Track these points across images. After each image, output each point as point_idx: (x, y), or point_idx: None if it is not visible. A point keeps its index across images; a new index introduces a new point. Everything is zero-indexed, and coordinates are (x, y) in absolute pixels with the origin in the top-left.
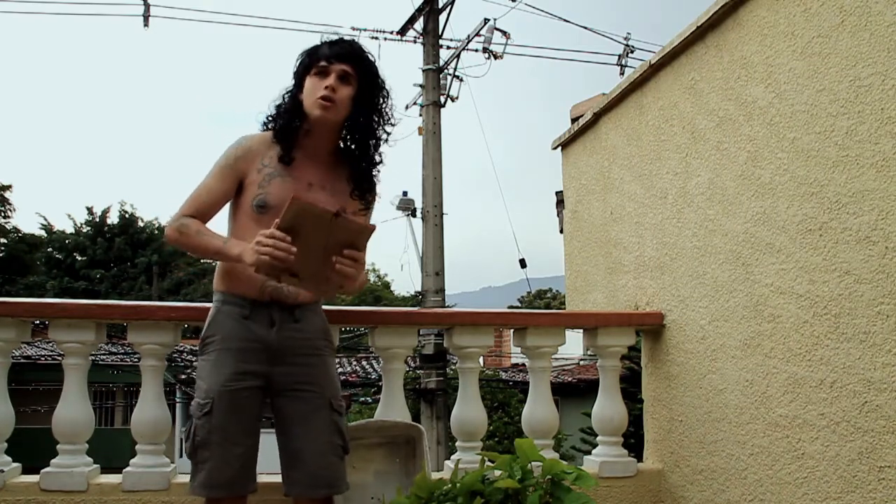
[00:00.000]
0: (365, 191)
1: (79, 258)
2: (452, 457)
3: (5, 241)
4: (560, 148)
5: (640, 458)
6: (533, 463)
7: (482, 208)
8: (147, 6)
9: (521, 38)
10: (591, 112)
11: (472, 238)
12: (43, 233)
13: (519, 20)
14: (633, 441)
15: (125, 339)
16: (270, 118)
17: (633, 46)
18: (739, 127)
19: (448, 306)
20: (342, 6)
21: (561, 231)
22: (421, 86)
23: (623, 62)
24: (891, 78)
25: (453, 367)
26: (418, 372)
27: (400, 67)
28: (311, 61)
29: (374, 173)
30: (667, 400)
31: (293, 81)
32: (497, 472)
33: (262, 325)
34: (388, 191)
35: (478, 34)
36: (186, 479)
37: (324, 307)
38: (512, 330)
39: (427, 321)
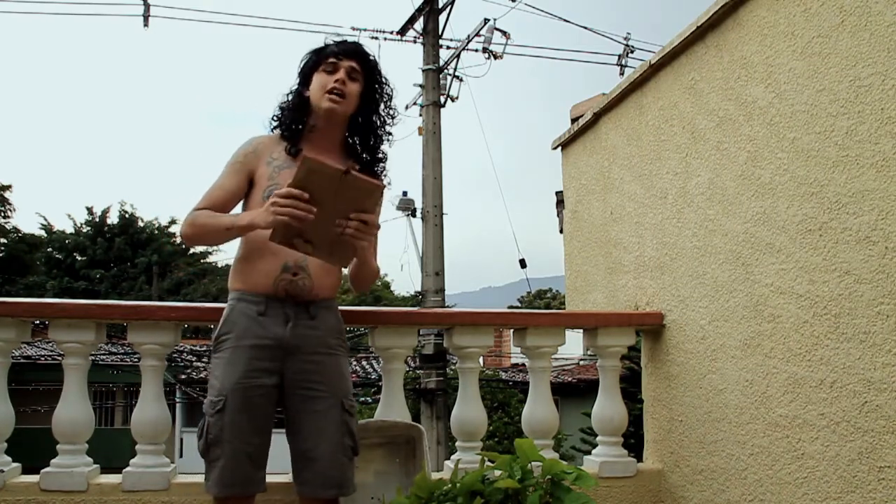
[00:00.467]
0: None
1: (79, 258)
2: (452, 457)
3: (5, 241)
4: (560, 148)
5: (640, 458)
6: (533, 463)
7: (482, 208)
8: (147, 6)
9: (521, 38)
10: (591, 112)
11: (472, 238)
12: (43, 233)
13: (519, 20)
14: (633, 441)
15: (125, 339)
16: (276, 117)
17: (633, 46)
18: (739, 127)
19: (448, 306)
20: (342, 6)
21: (561, 231)
22: (421, 86)
23: (623, 62)
24: (891, 78)
25: (453, 367)
26: (418, 372)
27: (400, 67)
28: (320, 58)
29: (377, 169)
30: (667, 400)
31: (299, 79)
32: (497, 472)
33: (277, 321)
34: (388, 191)
35: (478, 34)
36: (187, 479)
37: None
38: (512, 330)
39: (427, 321)
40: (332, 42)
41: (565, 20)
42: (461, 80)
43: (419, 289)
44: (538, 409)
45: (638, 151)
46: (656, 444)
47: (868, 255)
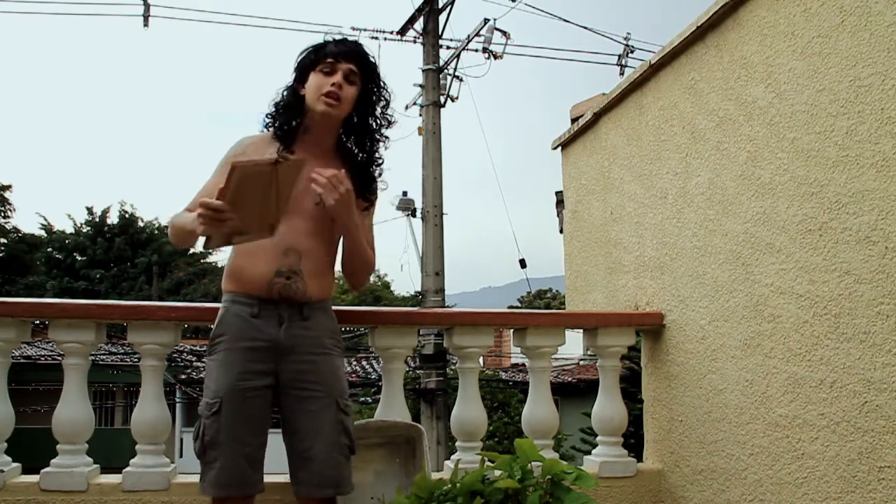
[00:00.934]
0: (364, 188)
1: (79, 258)
2: (452, 457)
3: (5, 241)
4: (560, 148)
5: (640, 458)
6: (533, 463)
7: (482, 208)
8: (147, 6)
9: (521, 38)
10: (591, 112)
11: (472, 238)
12: (43, 233)
13: (519, 20)
14: (633, 441)
15: (125, 339)
16: (270, 116)
17: (633, 46)
18: (739, 127)
19: (448, 306)
20: (342, 6)
21: (561, 231)
22: (421, 86)
23: (623, 62)
24: (891, 78)
25: (453, 367)
26: (418, 372)
27: (400, 67)
28: (318, 58)
29: (372, 170)
30: (667, 400)
31: (294, 76)
32: (497, 472)
33: (271, 323)
34: (388, 191)
35: (478, 34)
36: (187, 479)
37: None
38: (512, 330)
39: (427, 321)
40: (331, 40)
41: (565, 20)
42: (461, 80)
43: (419, 289)
44: (538, 409)
45: (638, 151)
46: (656, 444)
47: (868, 255)
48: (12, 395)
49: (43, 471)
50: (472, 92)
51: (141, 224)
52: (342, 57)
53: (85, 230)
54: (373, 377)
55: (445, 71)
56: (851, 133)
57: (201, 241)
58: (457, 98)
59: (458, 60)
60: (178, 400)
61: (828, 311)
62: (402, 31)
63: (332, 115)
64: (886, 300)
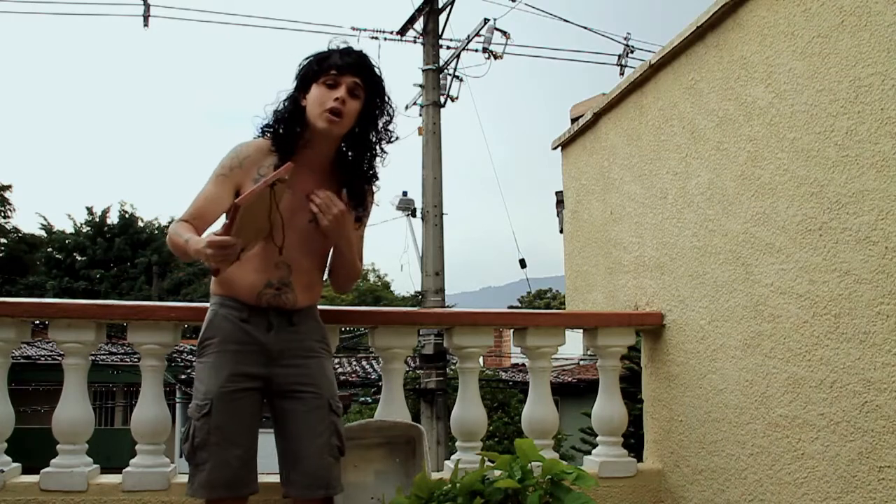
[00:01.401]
0: (358, 204)
1: (79, 258)
2: (452, 457)
3: (5, 241)
4: (560, 148)
5: (640, 458)
6: (533, 463)
7: (482, 208)
8: (147, 6)
9: (521, 38)
10: (590, 112)
11: (472, 238)
12: (43, 233)
13: (519, 20)
14: (633, 441)
15: (125, 339)
16: (269, 125)
17: (633, 46)
18: (739, 127)
19: (448, 306)
20: (342, 6)
21: (561, 231)
22: (421, 86)
23: (623, 62)
24: (891, 78)
25: (453, 367)
26: (418, 372)
27: (400, 67)
28: (321, 69)
29: (366, 188)
30: (667, 400)
31: (295, 85)
32: (497, 472)
33: (260, 328)
34: (388, 191)
35: (478, 34)
36: (186, 479)
37: (323, 307)
38: (512, 330)
39: (427, 321)
40: (336, 49)
41: (565, 20)
42: (461, 80)
43: (419, 289)
44: (538, 409)
45: (638, 151)
46: (656, 444)
47: (868, 255)
48: (12, 395)
49: (43, 471)
50: (472, 92)
51: (141, 224)
52: (347, 70)
53: (85, 230)
54: (373, 377)
55: (445, 71)
56: (851, 133)
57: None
58: (457, 98)
59: (458, 60)
60: (178, 400)
61: (828, 311)
62: (402, 31)
63: (332, 132)
64: (886, 300)
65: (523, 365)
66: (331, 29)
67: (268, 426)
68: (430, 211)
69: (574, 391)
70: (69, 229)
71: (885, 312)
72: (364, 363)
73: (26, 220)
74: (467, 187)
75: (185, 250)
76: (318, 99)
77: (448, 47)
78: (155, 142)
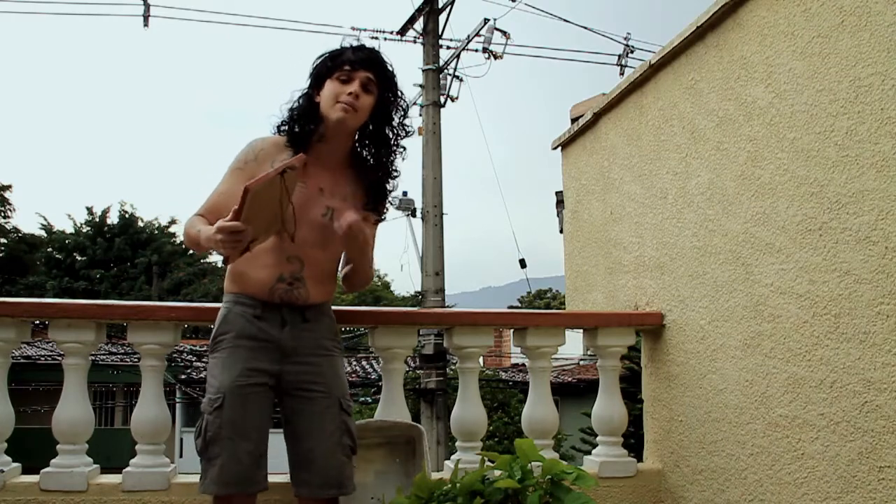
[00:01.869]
0: (378, 201)
1: (79, 258)
2: (452, 457)
3: (5, 241)
4: (560, 148)
5: (640, 458)
6: (533, 463)
7: (482, 208)
8: (147, 6)
9: (521, 38)
10: (590, 112)
11: (472, 238)
12: (43, 233)
13: (519, 20)
14: (633, 441)
15: (125, 339)
16: (284, 122)
17: (633, 46)
18: (739, 127)
19: (448, 306)
20: (342, 6)
21: (561, 231)
22: (421, 86)
23: (623, 62)
24: (891, 78)
25: (453, 367)
26: (418, 372)
27: (400, 67)
28: (334, 65)
29: (388, 183)
30: (667, 400)
31: (309, 82)
32: (497, 472)
33: (274, 325)
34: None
35: (478, 34)
36: (187, 479)
37: None
38: (512, 330)
39: (427, 321)
40: (349, 47)
41: (565, 20)
42: (461, 80)
43: (419, 289)
44: (538, 409)
45: (638, 151)
46: (656, 444)
47: (868, 255)
48: (12, 395)
49: (43, 471)
50: (472, 92)
51: (141, 224)
52: (359, 65)
53: (85, 230)
54: (373, 377)
55: (445, 71)
56: (851, 133)
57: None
58: (457, 98)
59: (458, 60)
60: (178, 400)
61: (828, 311)
62: (402, 31)
63: (347, 124)
64: (886, 300)
65: (523, 365)
66: (331, 29)
67: (275, 426)
68: (430, 211)
69: (574, 391)
70: (69, 229)
71: (885, 312)
72: (364, 363)
73: (26, 220)
74: (467, 187)
75: (198, 241)
76: (332, 93)
77: (448, 47)
78: (155, 142)
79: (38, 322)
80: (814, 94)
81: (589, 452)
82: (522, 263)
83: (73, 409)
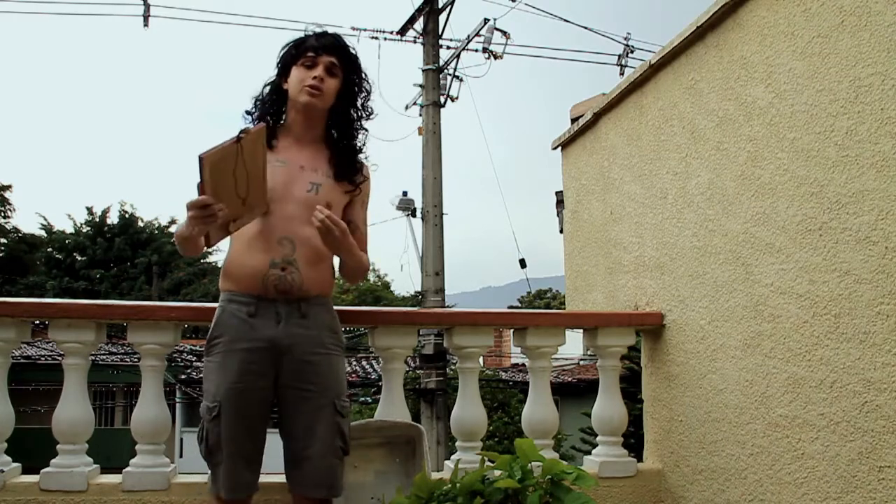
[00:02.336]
0: (350, 173)
1: (79, 258)
2: (452, 457)
3: (5, 241)
4: (560, 148)
5: (640, 458)
6: (533, 463)
7: (482, 208)
8: (147, 6)
9: (521, 38)
10: (590, 112)
11: (472, 238)
12: (43, 233)
13: (519, 20)
14: (633, 441)
15: (125, 339)
16: (250, 111)
17: (633, 46)
18: (739, 127)
19: (448, 306)
20: (342, 6)
21: (561, 231)
22: (421, 86)
23: (623, 62)
24: (891, 78)
25: (453, 367)
26: (418, 372)
27: (400, 67)
28: (299, 52)
29: (357, 157)
30: (667, 400)
31: (277, 71)
32: (497, 472)
33: (268, 322)
34: (388, 191)
35: (478, 34)
36: (187, 479)
37: None
38: (512, 330)
39: (427, 321)
40: (312, 33)
41: (565, 20)
42: (461, 80)
43: (419, 289)
44: (538, 409)
45: (638, 151)
46: (656, 444)
47: (868, 255)
48: (12, 395)
49: (43, 471)
50: (472, 92)
51: (141, 224)
52: (323, 50)
53: (85, 230)
54: (373, 377)
55: (445, 71)
56: (851, 133)
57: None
58: (457, 98)
59: (458, 60)
60: (178, 400)
61: (828, 311)
62: (402, 31)
63: (315, 106)
64: (886, 300)
65: (523, 365)
66: (331, 29)
67: (274, 426)
68: (430, 211)
69: (574, 391)
70: (69, 229)
71: (885, 312)
72: (364, 363)
73: (26, 220)
74: (467, 187)
75: (182, 234)
76: (298, 78)
77: (448, 47)
78: (155, 142)
79: (38, 322)
80: (814, 94)
81: (589, 452)
82: (522, 263)
83: (73, 409)
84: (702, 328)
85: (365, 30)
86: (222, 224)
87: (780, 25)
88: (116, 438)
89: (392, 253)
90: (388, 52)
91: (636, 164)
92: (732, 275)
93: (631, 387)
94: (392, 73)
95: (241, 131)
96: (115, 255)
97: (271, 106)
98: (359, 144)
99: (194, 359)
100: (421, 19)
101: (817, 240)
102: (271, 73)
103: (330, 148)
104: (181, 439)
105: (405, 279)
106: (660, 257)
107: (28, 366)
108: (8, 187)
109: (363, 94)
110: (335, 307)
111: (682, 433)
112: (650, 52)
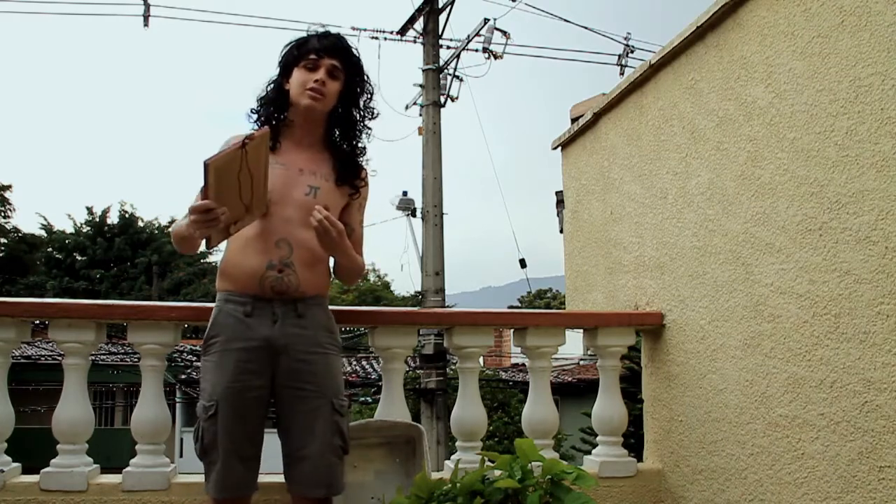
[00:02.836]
0: (351, 176)
1: (79, 258)
2: (452, 457)
3: (5, 241)
4: (560, 148)
5: (640, 458)
6: (533, 463)
7: (482, 208)
8: (147, 6)
9: (521, 38)
10: (590, 112)
11: (472, 238)
12: (43, 233)
13: (519, 20)
14: (633, 441)
15: (125, 339)
16: (255, 111)
17: (633, 46)
18: (739, 127)
19: (448, 306)
20: (342, 6)
21: (561, 231)
22: (421, 86)
23: (623, 62)
24: (891, 78)
25: (453, 367)
26: (418, 372)
27: (400, 67)
28: (301, 53)
29: (358, 160)
30: (667, 400)
31: (279, 71)
32: (497, 472)
33: (265, 321)
34: (388, 191)
35: (478, 34)
36: (186, 479)
37: None
38: (512, 330)
39: (427, 321)
40: (314, 34)
41: (565, 20)
42: (461, 80)
43: (419, 289)
44: (538, 409)
45: (638, 151)
46: (656, 444)
47: (868, 255)
48: (12, 395)
49: (43, 471)
50: (472, 92)
51: (141, 224)
52: (325, 52)
53: (85, 230)
54: (373, 377)
55: (445, 71)
56: (851, 133)
57: (203, 242)
58: (457, 98)
59: (458, 60)
60: (178, 400)
61: (828, 311)
62: (402, 31)
63: (316, 109)
64: (886, 300)
65: (523, 365)
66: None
67: (269, 426)
68: (430, 211)
69: (574, 391)
70: (69, 229)
71: (885, 312)
72: (364, 363)
73: (26, 220)
74: (467, 187)
75: (182, 233)
76: (300, 81)
77: (448, 47)
78: (155, 142)
79: (38, 322)
80: (814, 94)
81: (589, 452)
82: (522, 263)
83: (73, 409)
84: (702, 328)
85: (365, 30)
86: (224, 227)
87: (780, 25)
88: (116, 438)
89: (392, 253)
90: (388, 52)
91: (636, 164)
92: (732, 275)
93: (631, 387)
94: (392, 73)
95: (247, 137)
96: (115, 255)
97: (274, 106)
98: (361, 146)
99: (194, 359)
100: (421, 19)
101: (817, 240)
102: (273, 72)
103: (330, 150)
104: (181, 439)
105: (405, 279)
106: (660, 257)
107: (28, 366)
108: (8, 187)
109: (365, 96)
110: (335, 307)
111: (682, 433)
112: (650, 52)
